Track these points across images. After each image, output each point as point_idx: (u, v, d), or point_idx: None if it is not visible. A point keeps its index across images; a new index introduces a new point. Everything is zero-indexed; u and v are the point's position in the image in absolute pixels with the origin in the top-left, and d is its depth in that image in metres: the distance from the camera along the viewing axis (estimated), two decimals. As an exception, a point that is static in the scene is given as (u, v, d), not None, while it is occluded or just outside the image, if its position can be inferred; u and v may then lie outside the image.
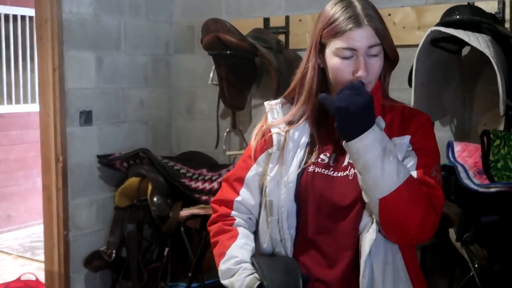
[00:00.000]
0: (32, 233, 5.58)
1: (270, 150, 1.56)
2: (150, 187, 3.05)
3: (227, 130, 3.28)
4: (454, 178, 2.17)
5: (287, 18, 3.09)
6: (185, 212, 2.96)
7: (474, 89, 2.61)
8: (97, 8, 3.18)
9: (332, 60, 1.45)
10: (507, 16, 2.46)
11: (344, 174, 1.47)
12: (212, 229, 1.61)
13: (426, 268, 2.58)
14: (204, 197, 2.95)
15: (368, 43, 1.42)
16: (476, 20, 2.27)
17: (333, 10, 1.46)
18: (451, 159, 2.21)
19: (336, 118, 1.37)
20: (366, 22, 1.42)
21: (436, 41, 2.32)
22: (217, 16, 3.06)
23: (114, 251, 3.12)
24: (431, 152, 1.49)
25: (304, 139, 1.53)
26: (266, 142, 1.58)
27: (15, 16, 5.60)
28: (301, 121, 1.54)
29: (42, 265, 3.44)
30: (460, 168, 2.14)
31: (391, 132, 1.47)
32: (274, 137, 1.54)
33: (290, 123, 1.55)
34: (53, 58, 3.03)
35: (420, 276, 1.56)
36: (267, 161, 1.55)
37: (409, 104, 2.12)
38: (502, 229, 2.11)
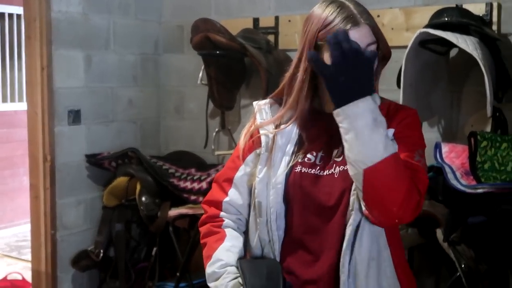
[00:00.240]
0: (18, 232, 5.54)
1: (258, 151, 1.55)
2: (138, 187, 3.04)
3: (216, 130, 3.28)
4: (441, 178, 2.19)
5: (276, 18, 3.10)
6: (173, 212, 2.95)
7: (461, 91, 2.63)
8: (86, 7, 3.17)
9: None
10: (495, 19, 2.48)
11: (330, 172, 1.47)
12: (202, 230, 1.62)
13: (413, 268, 2.59)
14: (192, 197, 2.95)
15: (367, 41, 1.43)
16: (464, 22, 2.30)
17: (327, 11, 1.45)
18: (439, 160, 2.23)
19: (328, 84, 1.35)
20: (363, 21, 1.43)
21: (424, 43, 2.34)
22: (207, 16, 3.06)
23: (101, 251, 3.10)
24: (414, 140, 1.47)
25: (292, 140, 1.53)
26: (254, 143, 1.57)
27: (2, 14, 5.56)
28: (289, 122, 1.55)
29: (28, 265, 3.42)
30: (447, 169, 2.15)
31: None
32: (262, 138, 1.54)
33: (278, 124, 1.55)
34: (42, 57, 3.01)
35: (409, 274, 1.56)
36: (256, 161, 1.55)
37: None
38: (489, 230, 2.13)
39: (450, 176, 2.13)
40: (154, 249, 3.08)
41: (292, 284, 1.48)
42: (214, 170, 3.09)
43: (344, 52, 1.32)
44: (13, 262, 4.74)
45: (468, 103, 2.61)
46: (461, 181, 2.09)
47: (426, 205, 2.28)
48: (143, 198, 3.00)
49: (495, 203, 2.08)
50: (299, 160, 1.50)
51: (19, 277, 3.81)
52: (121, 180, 3.13)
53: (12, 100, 5.73)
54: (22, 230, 5.45)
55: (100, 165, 3.21)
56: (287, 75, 1.55)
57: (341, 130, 1.37)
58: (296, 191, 1.49)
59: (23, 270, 4.00)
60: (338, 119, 1.36)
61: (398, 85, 2.37)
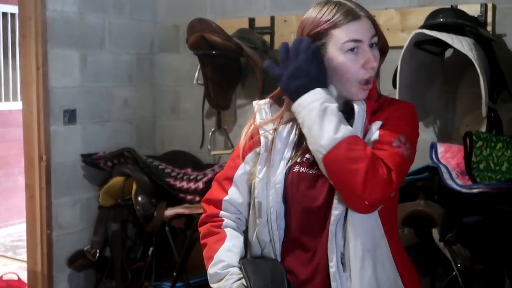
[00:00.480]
0: (13, 232, 5.53)
1: (257, 149, 1.56)
2: (134, 187, 3.04)
3: (212, 129, 3.28)
4: (437, 178, 2.20)
5: (272, 18, 3.10)
6: (169, 212, 2.95)
7: (457, 91, 2.65)
8: (81, 6, 3.16)
9: (338, 58, 1.45)
10: (489, 19, 2.50)
11: None
12: (202, 230, 1.62)
13: (409, 267, 2.61)
14: (189, 197, 2.95)
15: (370, 33, 1.45)
16: (459, 23, 2.31)
17: (324, 10, 1.47)
18: (434, 160, 2.24)
19: (280, 84, 1.46)
20: (363, 14, 1.45)
21: (420, 44, 2.35)
22: (202, 16, 3.06)
23: (98, 251, 3.10)
24: (397, 128, 1.46)
25: (291, 140, 1.54)
26: (253, 142, 1.58)
27: (-3, 13, 5.54)
28: (288, 121, 1.56)
29: (24, 265, 3.42)
30: (443, 169, 2.17)
31: (373, 120, 1.48)
32: (262, 138, 1.55)
33: (278, 124, 1.56)
34: (37, 56, 3.00)
35: (409, 266, 1.56)
36: (255, 160, 1.56)
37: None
38: (484, 230, 2.15)
39: (445, 176, 2.14)
40: (151, 249, 3.08)
41: (295, 285, 1.48)
42: (210, 170, 3.10)
43: (287, 49, 1.45)
44: (9, 262, 4.73)
45: (463, 103, 2.63)
46: (456, 181, 2.11)
47: (422, 205, 2.30)
48: (139, 198, 3.00)
49: (491, 203, 2.10)
50: (298, 160, 1.51)
51: (15, 277, 3.80)
52: (117, 180, 3.13)
53: (7, 99, 5.71)
54: (17, 230, 5.44)
55: (96, 165, 3.21)
56: None
57: (299, 119, 1.44)
58: (294, 191, 1.50)
59: (18, 270, 4.00)
60: (295, 114, 1.45)
61: (394, 86, 2.38)
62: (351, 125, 1.44)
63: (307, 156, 1.51)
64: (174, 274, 2.91)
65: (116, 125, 3.40)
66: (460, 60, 2.44)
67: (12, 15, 5.50)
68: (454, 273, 2.15)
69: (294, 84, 1.43)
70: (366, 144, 1.41)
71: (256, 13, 3.17)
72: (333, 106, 1.41)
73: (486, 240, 2.16)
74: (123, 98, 3.44)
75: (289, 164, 1.51)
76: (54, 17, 3.04)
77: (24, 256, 3.63)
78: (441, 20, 2.34)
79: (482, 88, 2.12)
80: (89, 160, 3.18)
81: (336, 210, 1.43)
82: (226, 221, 1.59)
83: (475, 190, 2.06)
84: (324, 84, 1.44)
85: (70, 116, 3.15)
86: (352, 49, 1.44)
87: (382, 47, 1.52)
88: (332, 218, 1.43)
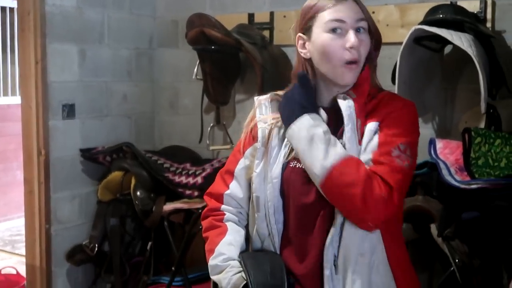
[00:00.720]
0: (12, 226, 5.54)
1: (256, 144, 1.57)
2: (133, 181, 3.04)
3: (211, 125, 3.28)
4: (436, 174, 2.21)
5: (271, 14, 3.10)
6: (168, 207, 2.96)
7: (456, 87, 2.65)
8: (80, 1, 3.15)
9: (320, 38, 1.46)
10: (489, 16, 2.50)
11: None
12: (204, 224, 1.64)
13: (407, 263, 2.61)
14: (187, 192, 2.95)
15: (356, 16, 1.45)
16: (458, 19, 2.31)
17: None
18: (433, 156, 2.25)
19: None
20: None
21: (419, 40, 2.35)
22: (201, 11, 3.05)
23: (96, 245, 3.10)
24: (400, 133, 1.44)
25: None
26: (253, 137, 1.59)
27: (-5, 7, 5.53)
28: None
29: (22, 259, 3.42)
30: (441, 165, 2.17)
31: (369, 119, 1.46)
32: (259, 133, 1.56)
33: (276, 119, 1.56)
34: (36, 50, 3.00)
35: (408, 272, 1.56)
36: (254, 155, 1.57)
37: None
38: (482, 225, 2.15)
39: (444, 172, 2.14)
40: (149, 243, 3.09)
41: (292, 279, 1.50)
42: (209, 165, 3.10)
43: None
44: (7, 256, 4.73)
45: (462, 99, 2.63)
46: (455, 177, 2.11)
47: (420, 201, 2.30)
48: (138, 193, 3.00)
49: (489, 199, 2.10)
50: (295, 156, 1.51)
51: (13, 272, 3.80)
52: (116, 175, 3.13)
53: (5, 94, 5.71)
54: (16, 225, 5.45)
55: (95, 160, 3.21)
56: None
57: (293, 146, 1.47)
58: (289, 186, 1.51)
59: (17, 265, 4.00)
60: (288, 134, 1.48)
61: (393, 82, 2.38)
62: (343, 128, 1.44)
63: None
64: (173, 268, 2.91)
65: (115, 120, 3.40)
66: (459, 57, 2.45)
67: (11, 9, 5.49)
68: (452, 268, 2.15)
69: (285, 114, 1.49)
70: (359, 163, 1.40)
71: (255, 8, 3.17)
72: (319, 131, 1.41)
73: (484, 236, 2.16)
74: (122, 93, 3.43)
75: (286, 159, 1.51)
76: (53, 12, 3.03)
77: (22, 251, 3.63)
78: (441, 16, 2.34)
79: (481, 84, 2.12)
80: (88, 154, 3.18)
81: (341, 216, 1.43)
82: (228, 215, 1.61)
83: (473, 186, 2.06)
84: (313, 109, 1.46)
85: (69, 111, 3.14)
86: (334, 30, 1.44)
87: (375, 38, 1.52)
88: (336, 221, 1.43)
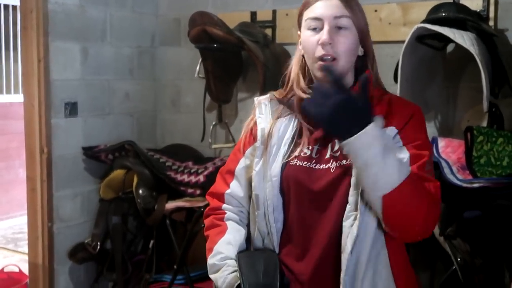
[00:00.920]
0: (14, 224, 5.55)
1: (257, 144, 1.57)
2: (135, 180, 3.04)
3: (213, 123, 3.28)
4: (438, 173, 2.20)
5: (274, 12, 3.09)
6: (170, 205, 2.96)
7: (458, 86, 2.64)
8: (83, -1, 3.17)
9: (302, 35, 1.50)
10: (492, 14, 2.49)
11: (326, 167, 1.48)
12: (206, 223, 1.65)
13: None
14: (189, 190, 2.96)
15: (334, 13, 1.45)
16: (461, 17, 2.31)
17: None
18: (435, 154, 2.25)
19: (317, 124, 1.39)
20: None
21: (421, 38, 2.34)
22: (204, 9, 3.05)
23: (98, 243, 3.11)
24: (423, 145, 1.45)
25: (289, 133, 1.55)
26: (253, 136, 1.60)
27: (-3, 5, 5.54)
28: (287, 115, 1.56)
29: (25, 257, 3.43)
30: (444, 164, 2.17)
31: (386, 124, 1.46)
32: (259, 131, 1.56)
33: (275, 117, 1.57)
34: (38, 48, 3.00)
35: (408, 273, 1.55)
36: (254, 154, 1.57)
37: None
38: (484, 224, 2.15)
39: (446, 170, 2.14)
40: (151, 242, 3.09)
41: (289, 279, 1.49)
42: (211, 164, 3.10)
43: (325, 93, 1.32)
44: (10, 254, 4.74)
45: (465, 98, 2.62)
46: (457, 176, 2.11)
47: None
48: (140, 191, 3.00)
49: (491, 198, 2.10)
50: (295, 154, 1.52)
51: (16, 270, 3.81)
52: (118, 173, 3.13)
53: (8, 92, 5.72)
54: (18, 223, 5.46)
55: (97, 158, 3.21)
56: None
57: (352, 160, 1.37)
58: (291, 184, 1.50)
59: (19, 263, 4.01)
60: (345, 150, 1.35)
61: (395, 80, 2.38)
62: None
63: (305, 150, 1.52)
64: (175, 267, 2.92)
65: (117, 118, 3.40)
66: (461, 55, 2.44)
67: (14, 7, 5.49)
68: (454, 267, 2.15)
69: (341, 122, 1.31)
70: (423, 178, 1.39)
71: (257, 6, 3.17)
72: (393, 142, 1.38)
73: (486, 235, 2.16)
74: (124, 91, 3.44)
75: (286, 158, 1.52)
76: (56, 10, 3.03)
77: (25, 249, 3.64)
78: (443, 14, 2.33)
79: (484, 83, 2.12)
80: (90, 153, 3.18)
81: (364, 219, 1.41)
82: (228, 214, 1.61)
83: (475, 185, 2.06)
84: (371, 118, 1.33)
85: (71, 109, 3.15)
86: (314, 28, 1.46)
87: (360, 36, 1.49)
88: (356, 223, 1.41)
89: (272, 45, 3.02)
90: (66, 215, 3.17)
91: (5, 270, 3.82)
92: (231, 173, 1.63)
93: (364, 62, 1.54)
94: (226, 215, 1.61)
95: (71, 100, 3.14)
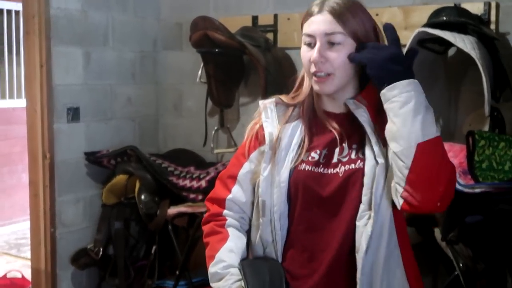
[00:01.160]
0: (17, 229, 5.55)
1: (262, 148, 1.56)
2: (137, 185, 3.04)
3: (215, 128, 3.28)
4: (439, 178, 2.19)
5: (275, 16, 3.10)
6: (172, 210, 2.96)
7: (459, 90, 2.64)
8: (85, 4, 3.17)
9: (301, 48, 1.51)
10: (493, 18, 2.49)
11: (334, 171, 1.48)
12: (205, 229, 1.62)
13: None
14: (191, 195, 2.95)
15: (325, 29, 1.44)
16: (462, 21, 2.30)
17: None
18: (437, 159, 2.23)
19: (371, 67, 1.41)
20: (326, 9, 1.45)
21: (423, 42, 2.34)
22: (205, 14, 3.06)
23: (101, 249, 3.11)
24: None
25: (297, 138, 1.54)
26: (258, 140, 1.58)
27: (1, 10, 5.55)
28: (294, 120, 1.56)
29: (28, 262, 3.43)
30: (445, 168, 2.16)
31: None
32: (267, 136, 1.54)
33: (283, 122, 1.56)
34: (41, 53, 3.01)
35: (418, 276, 1.57)
36: (260, 158, 1.56)
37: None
38: (486, 229, 2.14)
39: (448, 175, 2.13)
40: (153, 247, 3.09)
41: (293, 286, 1.49)
42: (213, 168, 3.10)
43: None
44: (12, 260, 4.74)
45: (466, 102, 2.62)
46: (459, 181, 2.10)
47: (424, 204, 2.29)
48: (142, 196, 3.00)
49: (493, 203, 2.09)
50: (303, 159, 1.51)
51: (19, 275, 3.81)
52: (120, 178, 3.13)
53: (11, 96, 5.73)
54: (21, 228, 5.45)
55: (99, 163, 3.21)
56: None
57: (393, 105, 1.37)
58: (299, 189, 1.50)
59: (22, 268, 4.01)
60: (393, 93, 1.37)
61: (397, 84, 2.37)
62: (366, 137, 1.46)
63: (313, 154, 1.52)
64: (177, 272, 2.92)
65: (119, 123, 3.40)
66: (463, 59, 2.43)
67: (17, 12, 5.51)
68: (456, 272, 2.14)
69: (394, 68, 1.38)
70: None
71: (259, 11, 3.17)
72: (425, 100, 1.41)
73: (488, 240, 2.15)
74: (126, 96, 3.44)
75: (294, 163, 1.51)
76: (58, 15, 3.04)
77: (28, 254, 3.64)
78: (444, 18, 2.33)
79: (485, 87, 2.12)
80: (92, 158, 3.19)
81: (380, 215, 1.42)
82: (229, 220, 1.59)
83: (477, 190, 2.05)
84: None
85: (74, 114, 3.15)
86: (309, 43, 1.47)
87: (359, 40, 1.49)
88: (371, 222, 1.42)
89: (274, 49, 3.02)
90: (69, 220, 3.17)
91: (8, 275, 3.82)
92: (233, 178, 1.60)
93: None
94: (227, 222, 1.58)
95: (74, 105, 3.15)
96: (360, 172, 1.46)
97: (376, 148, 1.44)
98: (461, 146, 2.26)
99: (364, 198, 1.43)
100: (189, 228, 3.00)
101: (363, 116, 1.47)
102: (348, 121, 1.51)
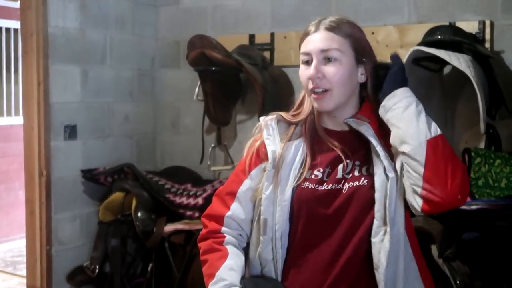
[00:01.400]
0: (13, 247, 5.51)
1: (264, 165, 1.55)
2: (134, 202, 3.04)
3: (212, 145, 3.29)
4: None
5: (272, 35, 3.12)
6: (169, 228, 2.95)
7: (455, 107, 2.65)
8: (83, 23, 3.19)
9: (300, 67, 1.54)
10: (488, 36, 2.52)
11: (338, 187, 1.48)
12: (202, 246, 1.59)
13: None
14: (188, 213, 2.95)
15: (321, 46, 1.47)
16: (457, 40, 2.33)
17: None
18: (433, 176, 2.24)
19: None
20: (322, 28, 1.49)
21: (418, 60, 2.36)
22: (203, 32, 3.08)
23: (97, 266, 3.09)
24: None
25: (299, 156, 1.54)
26: (259, 157, 1.57)
27: (-1, 28, 5.58)
28: (296, 138, 1.56)
29: (24, 280, 3.40)
30: (442, 185, 2.16)
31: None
32: (270, 154, 1.54)
33: (285, 140, 1.56)
34: (38, 71, 3.02)
35: (433, 285, 1.58)
36: (260, 176, 1.55)
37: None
38: (483, 246, 2.14)
39: (444, 192, 2.13)
40: (150, 264, 3.07)
41: None
42: (210, 186, 3.10)
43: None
44: (8, 277, 4.71)
45: (462, 120, 2.63)
46: (454, 198, 2.10)
47: (420, 221, 2.29)
48: (139, 214, 3.00)
49: (489, 220, 2.09)
50: (306, 177, 1.50)
51: (14, 293, 3.79)
52: (117, 196, 3.13)
53: (8, 114, 5.73)
54: (18, 245, 5.42)
55: (96, 180, 3.21)
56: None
57: (395, 112, 1.43)
58: (302, 208, 1.49)
59: (18, 286, 3.99)
60: (393, 100, 1.44)
61: (393, 102, 2.39)
62: (373, 153, 1.47)
63: (316, 172, 1.51)
64: (174, 290, 2.90)
65: (116, 140, 3.41)
66: (458, 77, 2.45)
67: (15, 30, 5.53)
68: (454, 289, 2.14)
69: (400, 78, 1.49)
70: None
71: (256, 29, 3.19)
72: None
73: (485, 257, 2.15)
74: (123, 113, 3.45)
75: (297, 181, 1.50)
76: (56, 33, 3.06)
77: (24, 272, 3.61)
78: (439, 37, 2.35)
79: (480, 104, 2.13)
80: (89, 175, 3.18)
81: (395, 229, 1.42)
82: (228, 237, 1.56)
83: (473, 207, 2.05)
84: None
85: (71, 132, 3.16)
86: (307, 61, 1.50)
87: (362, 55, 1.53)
88: (387, 238, 1.42)
89: (271, 67, 3.05)
90: (65, 238, 3.16)
91: (4, 293, 3.80)
92: (233, 194, 1.58)
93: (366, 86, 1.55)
94: (225, 239, 1.56)
95: (71, 123, 3.15)
96: (364, 189, 1.46)
97: (386, 162, 1.44)
98: (457, 163, 2.27)
99: (378, 214, 1.43)
100: (186, 246, 2.98)
101: (367, 131, 1.48)
102: (350, 138, 1.52)
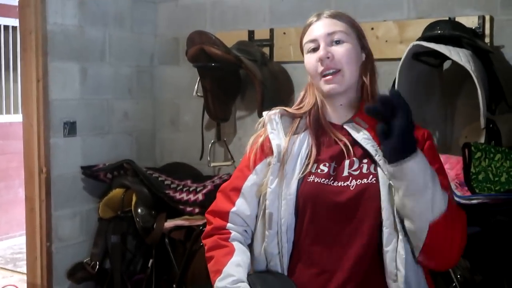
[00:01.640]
0: (13, 244, 5.53)
1: (268, 160, 1.55)
2: (134, 198, 3.04)
3: (212, 141, 3.29)
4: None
5: (271, 31, 3.12)
6: (169, 224, 2.95)
7: (455, 102, 2.65)
8: (81, 20, 3.18)
9: (305, 58, 1.56)
10: (487, 31, 2.51)
11: (345, 184, 1.47)
12: (207, 242, 1.58)
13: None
14: (188, 208, 2.95)
15: (327, 30, 1.51)
16: (456, 35, 2.32)
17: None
18: (433, 171, 2.24)
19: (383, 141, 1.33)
20: (324, 16, 1.54)
21: (418, 55, 2.36)
22: (202, 29, 3.08)
23: (97, 263, 3.10)
24: (442, 168, 1.51)
25: (304, 150, 1.53)
26: (264, 152, 1.57)
27: (-3, 26, 5.58)
28: (301, 131, 1.56)
29: (24, 277, 3.41)
30: (442, 180, 2.16)
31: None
32: (275, 148, 1.54)
33: (290, 134, 1.56)
34: (37, 69, 3.02)
35: None
36: (265, 171, 1.55)
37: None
38: (484, 241, 2.14)
39: (444, 187, 2.13)
40: (150, 261, 3.07)
41: None
42: (210, 182, 3.10)
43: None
44: (9, 274, 4.72)
45: (462, 115, 2.63)
46: (455, 192, 2.10)
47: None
48: (139, 210, 2.99)
49: (490, 214, 2.10)
50: (312, 170, 1.50)
51: (14, 290, 3.80)
52: (116, 192, 3.13)
53: (8, 112, 5.74)
54: (18, 243, 5.43)
55: (96, 177, 3.21)
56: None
57: (401, 184, 1.34)
58: (308, 201, 1.48)
59: (18, 283, 3.99)
60: (397, 176, 1.34)
61: (393, 97, 2.38)
62: (369, 159, 1.47)
63: (322, 167, 1.51)
64: (174, 286, 2.90)
65: (116, 137, 3.40)
66: (458, 72, 2.45)
67: (14, 28, 5.53)
68: (454, 284, 2.14)
69: (401, 147, 1.30)
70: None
71: (255, 25, 3.19)
72: (434, 170, 1.37)
73: (486, 251, 2.15)
74: (123, 110, 3.45)
75: (302, 175, 1.50)
76: (55, 31, 3.05)
77: (24, 269, 3.61)
78: (439, 32, 2.35)
79: (480, 99, 2.13)
80: (89, 172, 3.18)
81: (406, 244, 1.41)
82: (234, 234, 1.55)
83: (474, 201, 2.05)
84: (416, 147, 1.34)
85: (70, 129, 3.16)
86: (313, 49, 1.52)
87: (363, 47, 1.55)
88: (400, 251, 1.41)
89: (270, 63, 3.04)
90: (65, 235, 3.16)
91: (4, 290, 3.80)
92: (237, 190, 1.57)
93: (365, 66, 1.56)
94: (231, 235, 1.54)
95: (70, 120, 3.15)
96: (373, 188, 1.44)
97: (387, 171, 1.40)
98: (457, 158, 2.27)
99: (387, 222, 1.41)
100: (186, 242, 2.98)
101: (365, 141, 1.48)
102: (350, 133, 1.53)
